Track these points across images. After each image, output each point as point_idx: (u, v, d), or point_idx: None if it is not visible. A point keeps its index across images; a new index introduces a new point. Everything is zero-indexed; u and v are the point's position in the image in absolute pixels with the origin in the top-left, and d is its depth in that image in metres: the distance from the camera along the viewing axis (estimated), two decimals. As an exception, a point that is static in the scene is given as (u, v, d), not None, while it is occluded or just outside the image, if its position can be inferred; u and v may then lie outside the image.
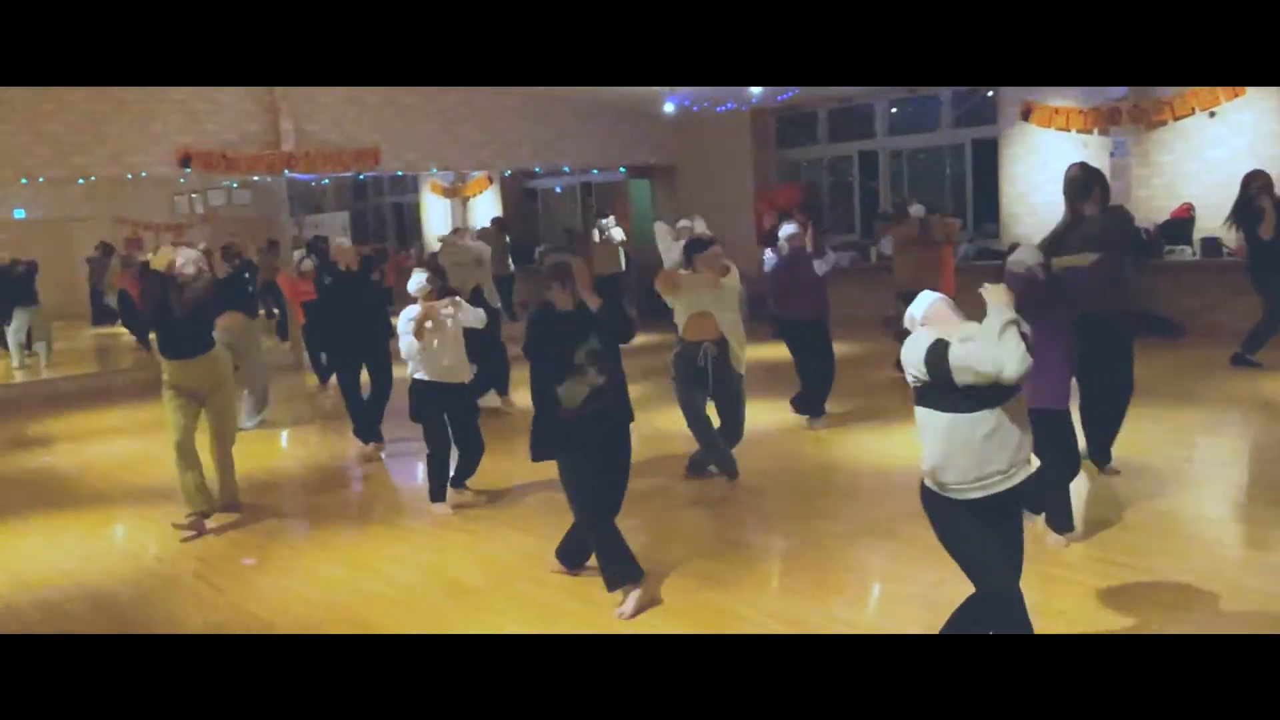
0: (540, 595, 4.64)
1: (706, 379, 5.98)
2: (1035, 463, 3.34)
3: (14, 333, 13.89)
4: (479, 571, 5.03)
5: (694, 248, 6.10)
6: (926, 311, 3.46)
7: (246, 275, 8.83)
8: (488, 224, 15.54)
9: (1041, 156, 11.68)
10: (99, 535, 6.17)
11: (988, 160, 12.42)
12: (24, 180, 11.63)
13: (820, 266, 7.37)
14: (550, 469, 4.61)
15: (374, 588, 4.92)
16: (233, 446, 6.21)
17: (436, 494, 6.02)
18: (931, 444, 3.29)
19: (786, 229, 7.55)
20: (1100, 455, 5.86)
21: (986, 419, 3.18)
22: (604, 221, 14.52)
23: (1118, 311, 5.58)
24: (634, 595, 4.35)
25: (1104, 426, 5.82)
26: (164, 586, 5.19)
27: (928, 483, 3.35)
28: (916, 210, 9.42)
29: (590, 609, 4.44)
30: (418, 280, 5.99)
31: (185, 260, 5.86)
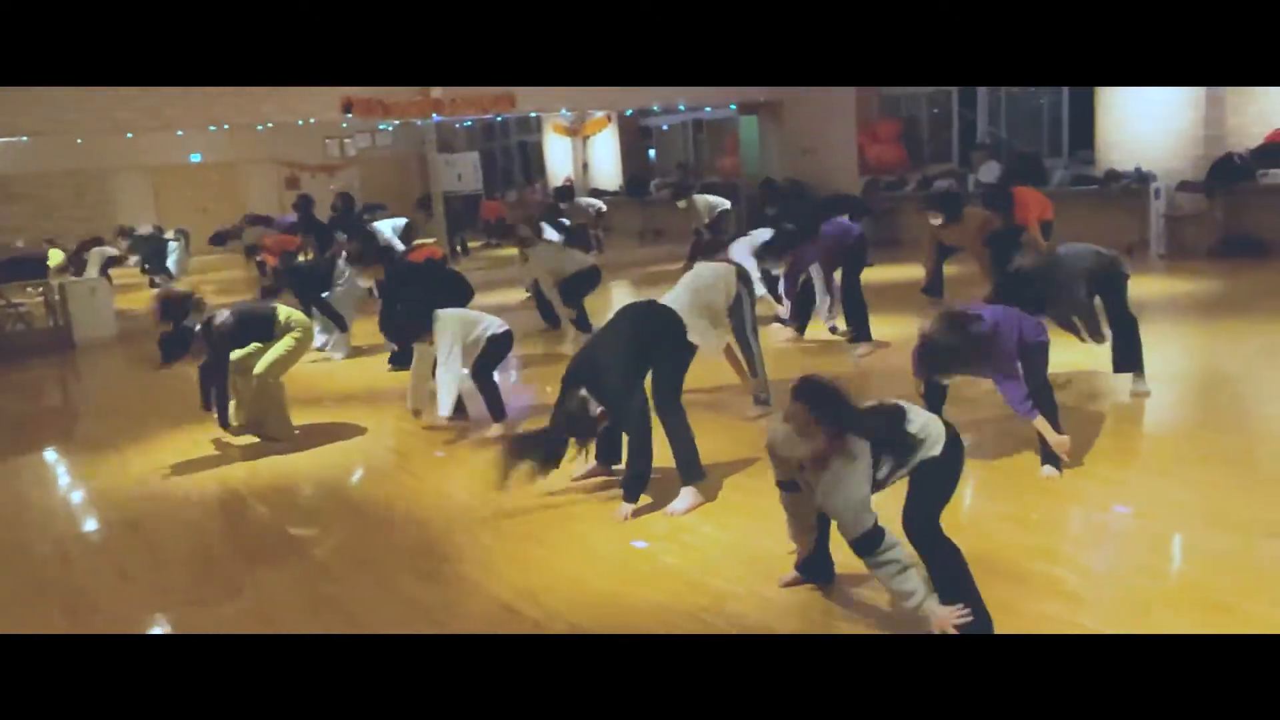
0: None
1: None
2: None
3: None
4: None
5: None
6: None
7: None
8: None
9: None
10: (312, 432, 6.57)
11: (1084, 89, 12.04)
12: (212, 128, 12.11)
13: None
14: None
15: (555, 476, 5.19)
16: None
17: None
18: None
19: None
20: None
21: None
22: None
23: None
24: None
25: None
26: (373, 475, 5.59)
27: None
28: (989, 170, 8.87)
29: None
30: None
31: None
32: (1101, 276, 5.48)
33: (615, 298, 11.41)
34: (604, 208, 15.84)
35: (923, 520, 3.24)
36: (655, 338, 4.73)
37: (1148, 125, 11.25)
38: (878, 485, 3.20)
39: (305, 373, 8.33)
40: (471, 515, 4.77)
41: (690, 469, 4.67)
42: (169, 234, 16.00)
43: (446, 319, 6.02)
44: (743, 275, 6.02)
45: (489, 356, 6.17)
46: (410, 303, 6.91)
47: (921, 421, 3.27)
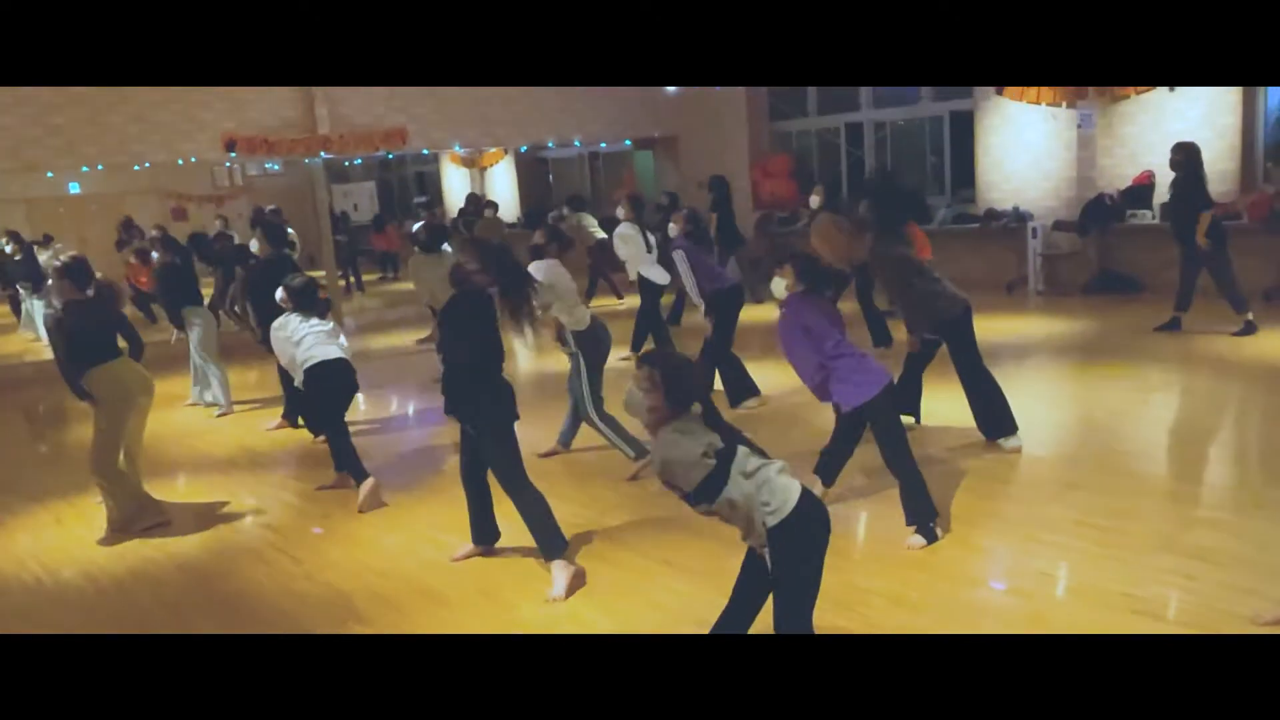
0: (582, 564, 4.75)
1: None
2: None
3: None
4: (526, 537, 5.08)
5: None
6: None
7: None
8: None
9: (1015, 127, 11.63)
10: (184, 508, 6.24)
11: (964, 130, 12.37)
12: (85, 169, 11.57)
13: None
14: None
15: (433, 556, 5.03)
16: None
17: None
18: None
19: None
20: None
21: None
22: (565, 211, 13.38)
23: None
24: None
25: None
26: (246, 557, 5.30)
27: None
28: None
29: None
30: None
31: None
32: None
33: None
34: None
35: (786, 620, 2.97)
36: None
37: (1024, 166, 11.59)
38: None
39: (177, 434, 7.99)
40: (342, 604, 4.56)
41: (551, 544, 4.51)
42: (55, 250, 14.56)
43: (276, 339, 5.79)
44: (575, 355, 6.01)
45: (323, 398, 5.69)
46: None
47: (763, 475, 3.00)
